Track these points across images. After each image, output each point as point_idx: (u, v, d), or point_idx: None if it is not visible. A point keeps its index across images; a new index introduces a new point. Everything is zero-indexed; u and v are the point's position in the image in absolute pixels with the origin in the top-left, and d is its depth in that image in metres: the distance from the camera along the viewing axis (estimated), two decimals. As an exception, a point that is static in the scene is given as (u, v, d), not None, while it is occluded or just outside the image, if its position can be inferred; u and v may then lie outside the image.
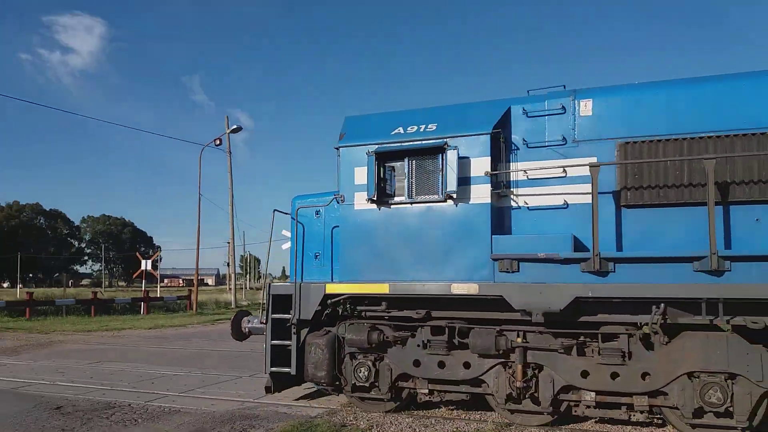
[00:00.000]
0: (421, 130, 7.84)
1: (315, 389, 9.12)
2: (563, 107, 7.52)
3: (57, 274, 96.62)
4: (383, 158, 7.84)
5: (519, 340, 7.21)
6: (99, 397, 8.97)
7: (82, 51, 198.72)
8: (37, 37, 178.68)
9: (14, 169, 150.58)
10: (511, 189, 7.65)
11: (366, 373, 7.94)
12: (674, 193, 6.79)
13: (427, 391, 7.80)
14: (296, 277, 8.45)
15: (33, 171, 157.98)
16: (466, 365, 7.53)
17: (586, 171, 7.02)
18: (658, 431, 7.03)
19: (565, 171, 7.35)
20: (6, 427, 7.30)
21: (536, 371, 7.23)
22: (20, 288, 54.71)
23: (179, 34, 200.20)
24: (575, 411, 7.18)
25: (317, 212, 8.73)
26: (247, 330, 9.07)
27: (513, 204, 7.65)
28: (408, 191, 7.77)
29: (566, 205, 7.32)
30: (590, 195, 6.93)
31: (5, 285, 79.18)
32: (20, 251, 73.73)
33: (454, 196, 7.41)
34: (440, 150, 7.50)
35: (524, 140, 7.66)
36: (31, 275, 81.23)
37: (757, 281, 6.17)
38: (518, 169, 7.62)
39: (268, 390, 8.45)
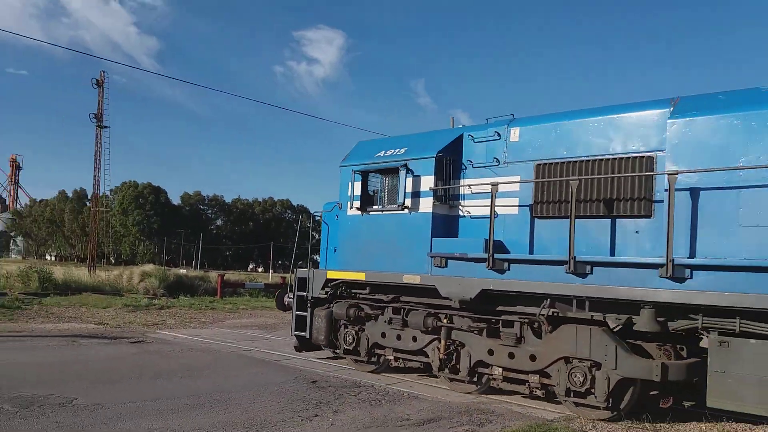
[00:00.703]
0: (393, 153, 10.07)
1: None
2: (498, 134, 9.16)
3: (300, 262, 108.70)
4: (365, 175, 10.24)
5: (445, 321, 9.08)
6: (346, 376, 9.69)
7: (324, 61, 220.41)
8: (287, 51, 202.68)
9: (268, 167, 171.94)
10: (459, 201, 9.51)
11: (351, 339, 10.41)
12: (566, 207, 8.06)
13: (392, 357, 9.98)
14: (322, 265, 11.26)
15: (284, 169, 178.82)
16: (414, 339, 9.55)
17: (513, 187, 8.75)
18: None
19: (492, 187, 8.68)
20: (274, 393, 8.15)
21: (459, 347, 9.00)
22: (272, 273, 62.24)
23: (408, 41, 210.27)
24: (493, 383, 8.76)
25: (336, 215, 11.08)
26: (287, 303, 11.76)
27: (461, 213, 9.50)
28: (381, 201, 10.10)
29: (497, 215, 8.73)
30: (517, 207, 8.73)
31: (260, 269, 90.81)
32: (273, 241, 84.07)
33: (408, 206, 9.50)
34: (398, 170, 9.65)
35: (470, 161, 9.46)
36: (280, 262, 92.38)
37: (612, 284, 7.36)
38: (463, 185, 9.48)
39: (295, 348, 11.33)
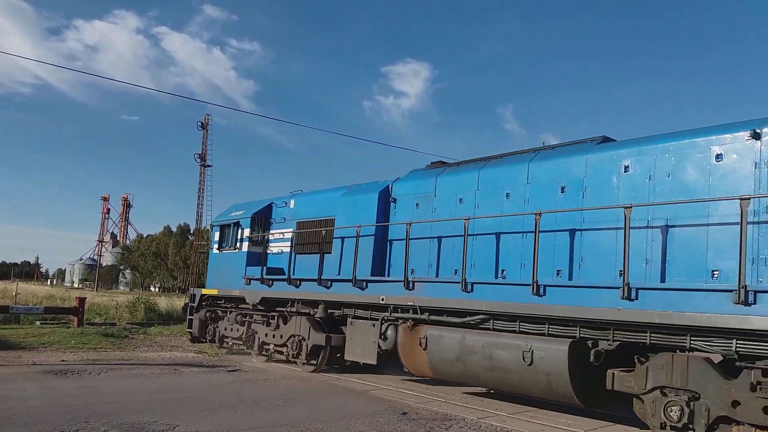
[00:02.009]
0: (234, 214, 15.99)
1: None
2: (286, 203, 14.92)
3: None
4: (221, 228, 16.36)
5: (248, 318, 14.71)
6: (436, 408, 9.50)
7: (410, 94, 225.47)
8: (376, 86, 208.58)
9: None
10: (268, 243, 15.05)
11: (212, 332, 16.18)
12: (309, 247, 13.65)
13: (231, 342, 15.55)
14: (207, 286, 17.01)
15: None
16: (237, 330, 15.12)
17: (289, 234, 13.87)
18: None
19: (283, 234, 14.42)
20: (366, 424, 8.10)
21: (255, 333, 14.50)
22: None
23: (493, 69, 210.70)
24: (273, 356, 14.17)
25: (209, 252, 17.22)
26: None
27: (270, 251, 14.98)
28: (227, 244, 16.00)
29: (281, 252, 14.33)
30: (290, 247, 13.61)
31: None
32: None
33: (238, 247, 15.39)
34: (236, 224, 15.62)
35: (274, 219, 15.26)
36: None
37: (312, 290, 12.76)
38: (270, 233, 15.09)
39: (190, 341, 17.09)
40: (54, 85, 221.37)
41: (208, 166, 61.27)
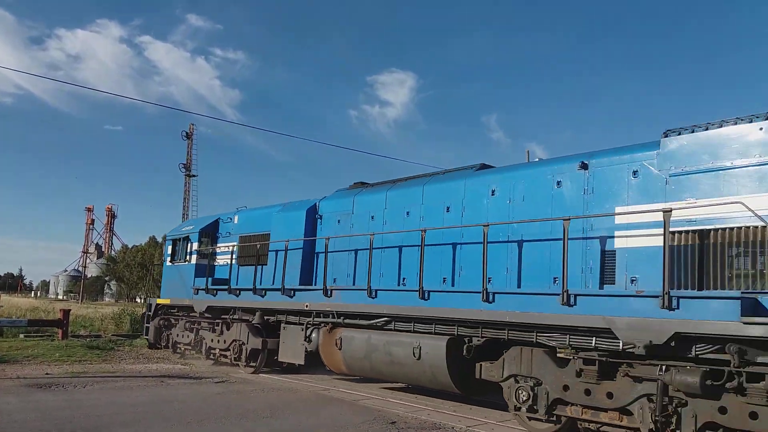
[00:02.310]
0: (185, 229, 17.75)
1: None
2: (231, 218, 16.42)
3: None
4: (172, 241, 17.96)
5: (196, 325, 16.27)
6: (425, 417, 9.52)
7: (396, 103, 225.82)
8: (362, 95, 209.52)
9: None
10: (216, 256, 16.55)
11: (166, 338, 17.65)
12: (249, 260, 15.02)
13: (183, 347, 16.98)
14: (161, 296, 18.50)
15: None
16: (187, 336, 16.64)
17: (232, 248, 15.47)
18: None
19: (228, 248, 15.78)
20: None
21: (203, 339, 15.97)
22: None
23: (479, 77, 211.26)
24: (221, 359, 15.64)
25: (163, 264, 18.94)
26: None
27: (217, 263, 16.50)
28: (179, 257, 17.48)
29: (226, 264, 15.49)
30: (234, 259, 15.29)
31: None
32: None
33: (187, 259, 16.91)
34: (185, 239, 17.17)
35: (220, 233, 16.73)
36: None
37: (249, 299, 14.27)
38: (216, 246, 16.62)
39: (148, 347, 18.38)
40: (36, 94, 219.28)
41: (193, 176, 61.60)
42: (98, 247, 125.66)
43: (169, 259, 18.13)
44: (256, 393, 11.68)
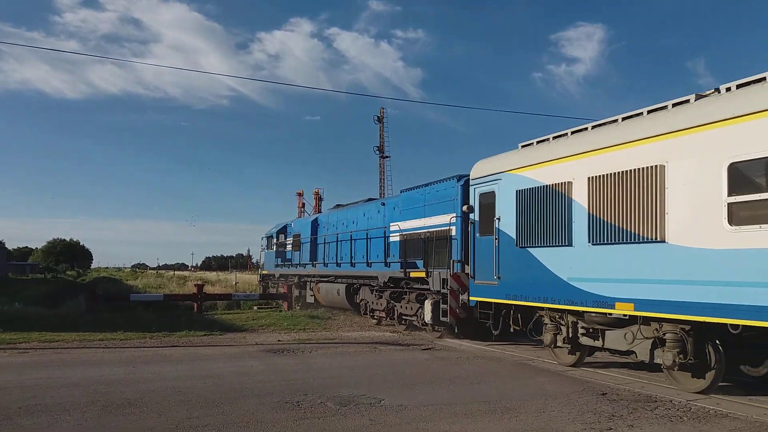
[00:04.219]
0: (269, 230, 30.81)
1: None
2: (290, 224, 29.19)
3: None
4: (266, 238, 30.99)
5: (270, 283, 29.09)
6: (638, 389, 9.01)
7: (585, 59, 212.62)
8: (546, 56, 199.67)
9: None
10: (285, 246, 28.77)
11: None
12: (296, 247, 27.59)
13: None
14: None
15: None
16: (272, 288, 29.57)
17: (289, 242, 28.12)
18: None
19: (288, 241, 28.33)
20: (563, 404, 7.89)
21: (268, 288, 27.88)
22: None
23: (679, 20, 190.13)
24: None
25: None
26: None
27: (287, 250, 28.67)
28: (267, 246, 30.62)
29: (288, 251, 28.20)
30: (289, 248, 27.63)
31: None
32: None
33: (271, 248, 30.03)
34: (270, 237, 30.23)
35: (287, 233, 28.63)
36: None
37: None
38: (285, 240, 28.85)
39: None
40: (246, 94, 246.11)
41: (386, 157, 63.48)
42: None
43: (265, 246, 30.99)
44: (461, 360, 11.91)
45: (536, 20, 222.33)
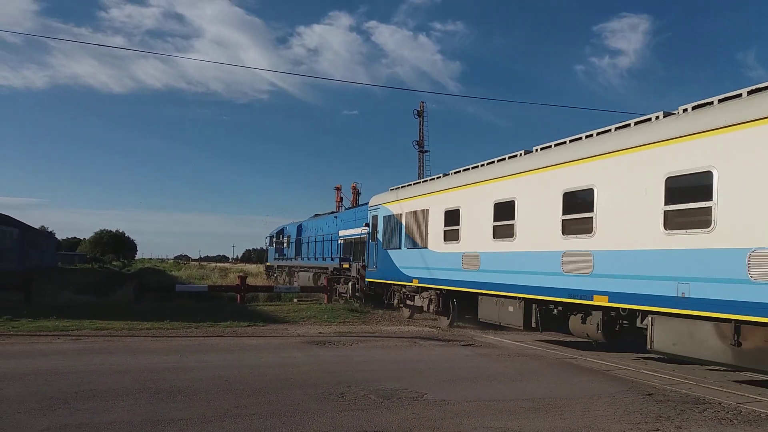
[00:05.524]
0: (270, 231, 38.03)
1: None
2: (286, 227, 35.88)
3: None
4: (269, 237, 37.00)
5: (275, 273, 32.67)
6: (686, 390, 8.85)
7: (628, 50, 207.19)
8: (588, 48, 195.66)
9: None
10: (283, 244, 35.23)
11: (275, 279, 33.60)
12: (290, 245, 30.77)
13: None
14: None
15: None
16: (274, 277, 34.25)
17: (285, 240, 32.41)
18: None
19: (284, 240, 36.39)
20: (608, 403, 7.82)
21: (276, 276, 30.41)
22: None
23: (729, 10, 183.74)
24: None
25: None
26: None
27: (283, 246, 35.80)
28: (270, 244, 39.56)
29: (285, 247, 31.70)
30: (285, 245, 30.50)
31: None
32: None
33: (272, 245, 34.21)
34: (271, 236, 36.49)
35: (284, 233, 34.97)
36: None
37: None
38: (283, 239, 34.73)
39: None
40: (285, 89, 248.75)
41: (426, 151, 63.17)
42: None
43: (268, 243, 36.46)
44: (502, 357, 11.81)
45: (578, 11, 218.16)
